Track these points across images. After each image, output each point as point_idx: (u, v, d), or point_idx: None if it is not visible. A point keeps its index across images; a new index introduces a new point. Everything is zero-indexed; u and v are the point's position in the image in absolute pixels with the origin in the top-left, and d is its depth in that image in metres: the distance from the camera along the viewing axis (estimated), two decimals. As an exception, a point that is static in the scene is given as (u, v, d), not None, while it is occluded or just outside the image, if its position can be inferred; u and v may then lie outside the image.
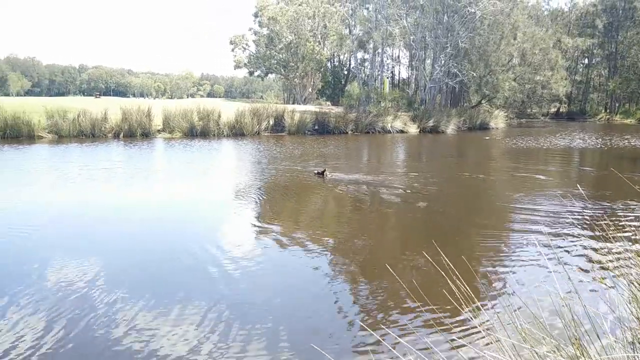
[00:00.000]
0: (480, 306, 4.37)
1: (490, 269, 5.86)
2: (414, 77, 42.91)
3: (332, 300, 5.06)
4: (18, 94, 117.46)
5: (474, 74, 35.31)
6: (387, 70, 48.90)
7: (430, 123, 31.05)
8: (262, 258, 6.28)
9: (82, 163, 14.61)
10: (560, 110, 63.16)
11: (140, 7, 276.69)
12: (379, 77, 40.39)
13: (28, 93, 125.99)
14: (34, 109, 22.88)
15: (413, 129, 30.58)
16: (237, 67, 53.60)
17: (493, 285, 5.42)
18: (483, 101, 43.41)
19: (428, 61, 39.76)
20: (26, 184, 10.96)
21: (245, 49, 52.59)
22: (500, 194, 11.39)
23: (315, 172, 12.76)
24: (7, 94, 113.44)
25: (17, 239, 6.88)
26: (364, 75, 47.84)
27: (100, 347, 4.03)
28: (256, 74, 55.05)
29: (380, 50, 40.10)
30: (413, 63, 42.12)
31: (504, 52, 37.56)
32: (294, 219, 8.63)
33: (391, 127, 29.42)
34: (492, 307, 4.79)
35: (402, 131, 29.62)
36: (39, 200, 9.52)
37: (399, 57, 52.94)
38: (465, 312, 4.32)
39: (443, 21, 35.11)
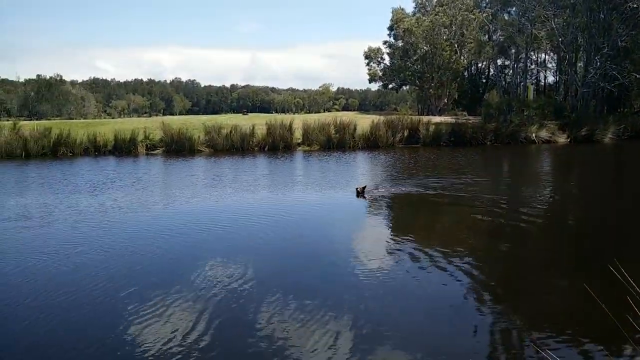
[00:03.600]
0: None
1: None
2: (562, 82, 39.35)
3: (470, 320, 4.94)
4: (180, 113, 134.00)
5: (638, 76, 31.21)
6: (531, 76, 45.65)
7: (583, 132, 28.15)
8: (393, 271, 6.38)
9: (235, 173, 16.25)
10: None
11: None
12: (522, 84, 37.89)
13: (189, 112, 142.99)
14: (194, 126, 26.02)
15: (562, 139, 28.04)
16: (371, 80, 54.54)
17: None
18: (650, 105, 38.08)
19: (580, 64, 36.18)
20: (190, 189, 12.57)
21: (380, 62, 53.30)
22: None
23: (358, 189, 11.53)
24: (172, 113, 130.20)
25: (177, 237, 7.97)
26: (504, 82, 45.26)
27: (242, 344, 4.46)
28: (390, 86, 55.40)
29: (523, 55, 37.64)
30: (562, 67, 38.66)
31: (676, 50, 32.58)
32: (427, 234, 8.60)
33: (535, 137, 27.33)
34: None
35: (548, 141, 27.34)
36: (200, 202, 10.88)
37: (545, 61, 49.02)
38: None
39: (599, 19, 31.76)
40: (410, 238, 7.95)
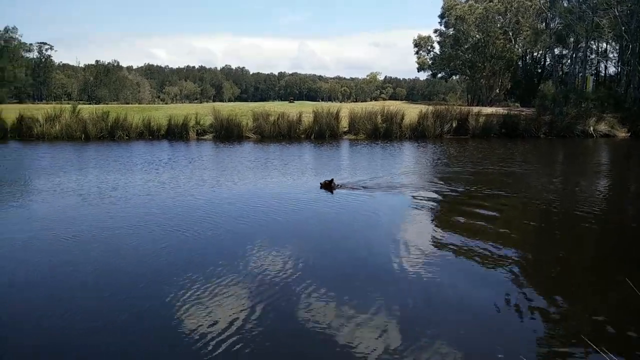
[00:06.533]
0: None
1: None
2: (624, 73, 37.23)
3: (519, 320, 4.86)
4: (229, 100, 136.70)
5: None
6: (591, 67, 43.47)
7: (645, 126, 26.67)
8: (439, 269, 6.15)
9: (284, 158, 16.51)
10: None
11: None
12: (580, 75, 36.20)
13: (237, 99, 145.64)
14: (242, 112, 26.53)
15: (622, 133, 26.68)
16: (420, 69, 53.63)
17: None
18: None
19: (645, 54, 34.09)
20: (245, 172, 12.93)
21: (429, 50, 52.26)
22: None
23: (322, 182, 10.84)
24: (221, 100, 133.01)
25: (219, 220, 8.27)
26: (561, 73, 43.37)
27: (284, 334, 4.58)
28: (439, 75, 54.30)
29: (583, 44, 35.89)
30: (624, 57, 36.56)
31: None
32: (474, 227, 8.49)
33: (593, 130, 26.13)
34: None
35: (607, 135, 26.07)
36: (253, 185, 11.21)
37: (606, 51, 46.45)
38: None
39: (668, 6, 29.78)
40: (455, 235, 7.78)
